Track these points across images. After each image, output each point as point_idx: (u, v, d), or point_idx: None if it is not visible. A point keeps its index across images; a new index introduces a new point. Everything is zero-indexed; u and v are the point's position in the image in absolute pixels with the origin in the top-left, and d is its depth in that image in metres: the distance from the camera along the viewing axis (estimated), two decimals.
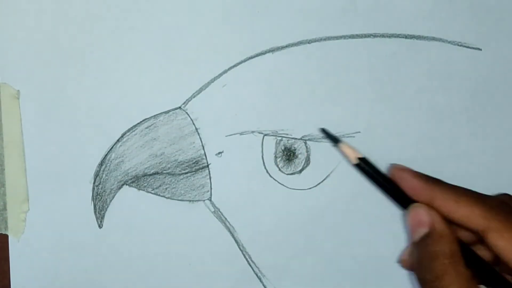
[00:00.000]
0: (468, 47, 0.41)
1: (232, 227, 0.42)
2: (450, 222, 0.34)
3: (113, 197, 0.42)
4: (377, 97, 0.41)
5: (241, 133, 0.42)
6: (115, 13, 0.42)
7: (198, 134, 0.42)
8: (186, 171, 0.42)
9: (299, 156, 0.41)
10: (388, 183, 0.36)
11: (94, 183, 0.42)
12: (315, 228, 0.41)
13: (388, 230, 0.40)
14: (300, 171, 0.42)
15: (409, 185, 0.36)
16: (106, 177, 0.42)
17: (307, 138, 0.41)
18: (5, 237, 0.43)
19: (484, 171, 0.41)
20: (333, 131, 0.41)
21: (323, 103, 0.41)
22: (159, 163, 0.42)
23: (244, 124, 0.42)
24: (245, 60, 0.42)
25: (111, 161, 0.42)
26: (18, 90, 0.42)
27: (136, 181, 0.42)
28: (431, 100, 0.41)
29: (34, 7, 0.42)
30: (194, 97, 0.42)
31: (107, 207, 0.42)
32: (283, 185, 0.42)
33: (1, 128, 0.43)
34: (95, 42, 0.42)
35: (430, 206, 0.35)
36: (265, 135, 0.42)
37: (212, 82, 0.42)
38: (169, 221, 0.42)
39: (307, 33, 0.41)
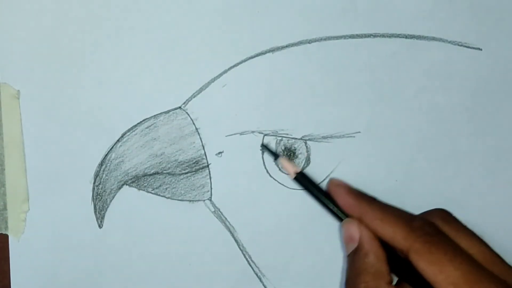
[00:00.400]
0: (468, 47, 0.41)
1: (232, 227, 0.42)
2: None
3: (113, 197, 0.42)
4: (377, 97, 0.41)
5: (241, 133, 0.42)
6: (115, 13, 0.42)
7: (198, 134, 0.42)
8: (186, 171, 0.42)
9: (299, 156, 0.41)
10: (325, 197, 0.37)
11: (94, 183, 0.42)
12: (315, 228, 0.41)
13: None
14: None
15: (342, 201, 0.37)
16: (106, 177, 0.42)
17: (307, 138, 0.41)
18: (5, 237, 0.43)
19: (484, 171, 0.41)
20: (333, 131, 0.42)
21: (323, 103, 0.41)
22: (159, 163, 0.42)
23: (244, 124, 0.42)
24: (245, 60, 0.42)
25: (111, 161, 0.42)
26: (18, 90, 0.42)
27: (136, 181, 0.42)
28: (431, 100, 0.41)
29: (34, 7, 0.42)
30: (194, 97, 0.42)
31: (107, 207, 0.42)
32: (283, 185, 0.42)
33: (1, 128, 0.43)
34: (95, 42, 0.42)
35: (361, 222, 0.35)
36: (265, 135, 0.42)
37: (212, 82, 0.42)
38: (169, 221, 0.42)
39: (307, 33, 0.41)
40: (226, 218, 0.42)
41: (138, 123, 0.42)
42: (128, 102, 0.42)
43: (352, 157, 0.41)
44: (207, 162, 0.42)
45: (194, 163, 0.42)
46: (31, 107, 0.42)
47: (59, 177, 0.42)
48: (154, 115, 0.42)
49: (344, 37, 0.41)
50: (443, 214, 0.36)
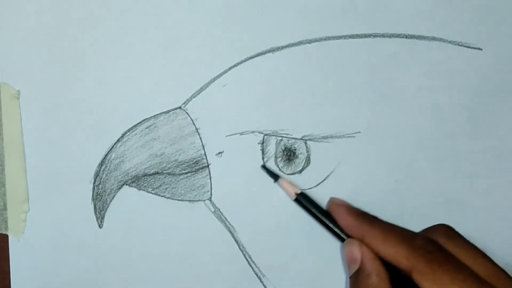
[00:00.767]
0: (468, 47, 0.41)
1: (232, 227, 0.42)
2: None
3: (113, 197, 0.42)
4: (377, 97, 0.41)
5: (241, 133, 0.42)
6: (115, 13, 0.42)
7: (198, 134, 0.42)
8: (186, 171, 0.42)
9: (300, 156, 0.41)
10: (326, 217, 0.37)
11: (94, 183, 0.42)
12: (315, 228, 0.41)
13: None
14: (301, 171, 0.42)
15: (343, 222, 0.37)
16: (106, 177, 0.42)
17: (307, 138, 0.41)
18: (5, 237, 0.43)
19: (484, 171, 0.41)
20: (333, 131, 0.42)
21: (323, 103, 0.41)
22: (159, 163, 0.42)
23: (244, 124, 0.42)
24: (245, 60, 0.42)
25: (111, 161, 0.42)
26: (18, 90, 0.42)
27: (136, 181, 0.42)
28: (431, 100, 0.41)
29: (34, 7, 0.42)
30: (194, 97, 0.42)
31: (107, 207, 0.42)
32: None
33: (1, 128, 0.43)
34: (95, 42, 0.42)
35: (363, 242, 0.35)
36: (265, 135, 0.42)
37: (212, 82, 0.42)
38: (169, 221, 0.42)
39: (307, 33, 0.41)
40: (226, 218, 0.42)
41: (138, 123, 0.42)
42: (128, 102, 0.42)
43: (352, 157, 0.41)
44: (207, 162, 0.42)
45: (194, 163, 0.42)
46: (31, 107, 0.42)
47: (59, 177, 0.42)
48: (154, 115, 0.42)
49: (344, 37, 0.41)
50: (446, 230, 0.36)
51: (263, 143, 0.41)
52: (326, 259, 0.42)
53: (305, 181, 0.41)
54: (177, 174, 0.42)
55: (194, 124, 0.42)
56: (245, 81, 0.42)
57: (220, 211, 0.42)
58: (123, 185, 0.42)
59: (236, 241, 0.42)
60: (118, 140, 0.42)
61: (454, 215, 0.41)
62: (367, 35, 0.41)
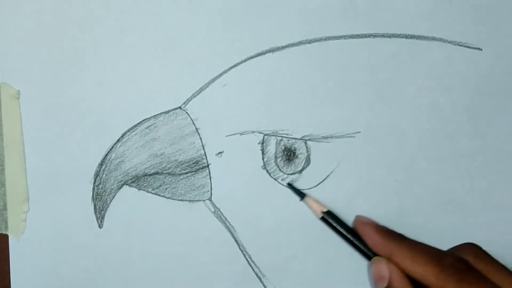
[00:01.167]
0: (468, 47, 0.41)
1: (232, 227, 0.42)
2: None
3: (113, 197, 0.42)
4: (377, 97, 0.41)
5: (241, 133, 0.42)
6: (115, 13, 0.42)
7: (198, 134, 0.42)
8: (186, 171, 0.42)
9: (299, 156, 0.41)
10: (352, 236, 0.37)
11: (94, 183, 0.42)
12: (315, 228, 0.41)
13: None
14: (301, 171, 0.42)
15: (371, 240, 0.37)
16: (106, 177, 0.42)
17: (307, 138, 0.41)
18: (5, 237, 0.43)
19: (484, 171, 0.41)
20: (333, 131, 0.42)
21: (323, 103, 0.41)
22: (159, 163, 0.42)
23: (244, 124, 0.42)
24: (245, 60, 0.42)
25: (111, 161, 0.42)
26: (18, 90, 0.42)
27: (136, 181, 0.42)
28: (431, 100, 0.41)
29: (34, 7, 0.42)
30: (194, 97, 0.42)
31: (107, 207, 0.42)
32: (283, 185, 0.42)
33: (1, 128, 0.43)
34: (95, 42, 0.42)
35: (390, 260, 0.35)
36: (265, 135, 0.42)
37: (212, 82, 0.42)
38: (169, 221, 0.42)
39: (307, 33, 0.41)
40: (226, 218, 0.42)
41: (138, 123, 0.42)
42: (128, 102, 0.42)
43: (352, 157, 0.41)
44: (207, 162, 0.42)
45: (194, 163, 0.42)
46: (31, 107, 0.42)
47: (59, 177, 0.42)
48: (154, 115, 0.42)
49: (344, 37, 0.41)
50: (474, 249, 0.36)
51: (263, 143, 0.41)
52: (326, 259, 0.42)
53: (305, 181, 0.41)
54: (177, 174, 0.42)
55: (194, 124, 0.42)
56: (245, 81, 0.42)
57: (220, 211, 0.42)
58: (123, 185, 0.42)
59: (236, 241, 0.42)
60: (118, 140, 0.42)
61: (454, 215, 0.41)
62: (367, 35, 0.41)
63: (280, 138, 0.41)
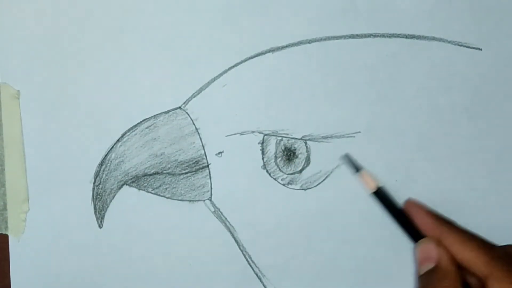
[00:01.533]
0: (468, 47, 0.41)
1: (232, 227, 0.42)
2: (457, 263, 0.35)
3: (113, 197, 0.42)
4: (377, 97, 0.41)
5: (241, 133, 0.42)
6: (115, 13, 0.42)
7: (198, 134, 0.42)
8: (186, 171, 0.42)
9: (299, 156, 0.41)
10: (402, 216, 0.37)
11: (94, 183, 0.42)
12: (315, 228, 0.41)
13: (388, 230, 0.40)
14: (301, 171, 0.42)
15: (422, 221, 0.37)
16: (106, 177, 0.42)
17: (307, 138, 0.41)
18: (5, 237, 0.43)
19: (484, 171, 0.41)
20: (333, 131, 0.42)
21: (323, 103, 0.41)
22: (159, 163, 0.42)
23: (244, 124, 0.42)
24: (245, 60, 0.42)
25: (111, 161, 0.42)
26: (18, 90, 0.42)
27: (136, 181, 0.42)
28: (431, 100, 0.41)
29: (34, 7, 0.42)
30: (194, 97, 0.42)
31: (107, 207, 0.42)
32: (283, 185, 0.42)
33: (1, 128, 0.43)
34: (95, 42, 0.42)
35: (439, 243, 0.36)
36: (265, 135, 0.42)
37: (212, 82, 0.42)
38: (169, 221, 0.42)
39: (307, 33, 0.41)
40: (226, 218, 0.42)
41: (138, 123, 0.42)
42: (128, 102, 0.42)
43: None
44: (207, 162, 0.42)
45: (194, 163, 0.42)
46: (31, 107, 0.42)
47: (59, 177, 0.42)
48: (154, 115, 0.42)
49: (344, 37, 0.41)
50: None
51: (263, 143, 0.41)
52: (326, 259, 0.42)
53: (305, 181, 0.41)
54: (177, 174, 0.42)
55: (194, 124, 0.42)
56: (245, 81, 0.42)
57: (220, 211, 0.42)
58: (123, 185, 0.42)
59: (236, 241, 0.42)
60: (118, 140, 0.42)
61: (454, 215, 0.41)
62: (367, 35, 0.41)
63: (280, 138, 0.41)
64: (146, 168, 0.42)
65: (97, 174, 0.42)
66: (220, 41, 0.42)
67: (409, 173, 0.41)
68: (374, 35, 0.41)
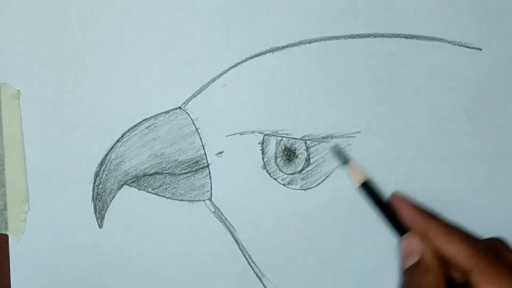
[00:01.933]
0: (468, 47, 0.41)
1: (232, 227, 0.42)
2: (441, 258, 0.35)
3: (113, 197, 0.42)
4: (377, 97, 0.41)
5: (241, 133, 0.42)
6: (115, 13, 0.42)
7: (198, 134, 0.42)
8: (186, 171, 0.42)
9: (299, 156, 0.41)
10: (388, 210, 0.37)
11: (94, 183, 0.42)
12: (315, 228, 0.41)
13: (388, 230, 0.40)
14: (300, 171, 0.42)
15: (407, 214, 0.37)
16: (106, 177, 0.42)
17: (307, 138, 0.41)
18: (5, 237, 0.43)
19: (484, 171, 0.41)
20: (333, 131, 0.42)
21: (323, 103, 0.41)
22: (159, 163, 0.42)
23: (244, 124, 0.42)
24: (245, 60, 0.42)
25: (111, 161, 0.42)
26: (18, 90, 0.42)
27: (136, 181, 0.42)
28: (431, 100, 0.41)
29: (34, 7, 0.42)
30: (194, 97, 0.42)
31: (107, 207, 0.42)
32: (283, 185, 0.42)
33: (1, 128, 0.43)
34: (95, 42, 0.42)
35: (423, 237, 0.35)
36: (265, 135, 0.42)
37: (212, 82, 0.42)
38: (169, 221, 0.42)
39: (307, 33, 0.41)
40: (226, 218, 0.42)
41: (138, 123, 0.42)
42: (128, 102, 0.42)
43: (352, 157, 0.41)
44: (207, 162, 0.42)
45: (194, 163, 0.42)
46: (31, 107, 0.42)
47: (59, 177, 0.42)
48: (154, 115, 0.42)
49: (344, 37, 0.41)
50: (501, 244, 0.36)
51: (263, 143, 0.41)
52: (326, 259, 0.42)
53: (305, 181, 0.41)
54: (177, 174, 0.42)
55: (194, 124, 0.42)
56: (245, 81, 0.42)
57: (220, 211, 0.42)
58: (123, 185, 0.42)
59: (236, 241, 0.42)
60: (118, 140, 0.42)
61: (454, 215, 0.41)
62: (367, 35, 0.41)
63: (280, 138, 0.41)
64: (146, 168, 0.42)
65: (97, 174, 0.42)
66: (220, 41, 0.42)
67: (409, 173, 0.41)
68: (374, 35, 0.41)
